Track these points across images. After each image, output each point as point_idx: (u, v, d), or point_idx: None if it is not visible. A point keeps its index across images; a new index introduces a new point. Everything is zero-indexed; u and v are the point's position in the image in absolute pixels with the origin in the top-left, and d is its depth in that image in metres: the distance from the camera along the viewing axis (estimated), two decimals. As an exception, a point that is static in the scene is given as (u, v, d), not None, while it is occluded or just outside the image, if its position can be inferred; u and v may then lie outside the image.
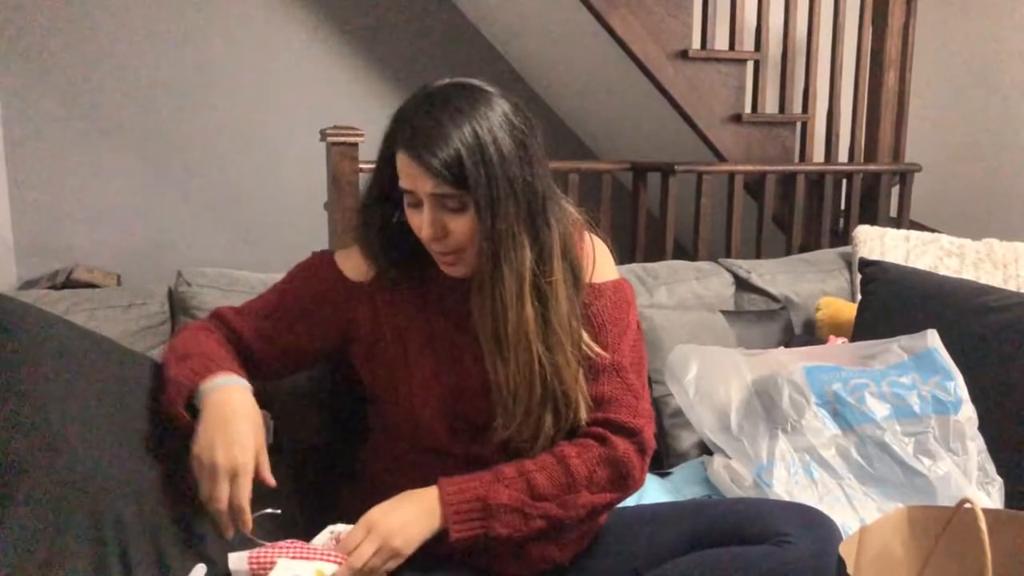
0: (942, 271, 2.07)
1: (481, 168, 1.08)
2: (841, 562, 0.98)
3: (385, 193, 1.19)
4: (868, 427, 1.47)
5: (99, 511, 0.93)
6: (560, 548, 1.21)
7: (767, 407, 1.51)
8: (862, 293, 1.91)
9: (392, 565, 1.11)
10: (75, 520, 0.91)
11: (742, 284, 2.07)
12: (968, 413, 1.50)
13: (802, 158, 3.32)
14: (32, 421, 0.97)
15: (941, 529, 1.04)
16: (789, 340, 1.94)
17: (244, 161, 3.93)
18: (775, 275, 2.10)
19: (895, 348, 1.59)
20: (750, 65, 3.25)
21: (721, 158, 3.19)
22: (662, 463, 1.70)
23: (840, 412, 1.49)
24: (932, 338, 1.58)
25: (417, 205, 1.13)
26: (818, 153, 3.41)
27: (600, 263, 1.27)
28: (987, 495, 1.45)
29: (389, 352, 1.24)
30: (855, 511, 1.41)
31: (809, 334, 1.99)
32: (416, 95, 1.14)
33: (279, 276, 1.55)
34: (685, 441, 1.71)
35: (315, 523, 1.16)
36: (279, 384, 1.35)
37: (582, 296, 1.21)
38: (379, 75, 4.05)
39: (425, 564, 1.14)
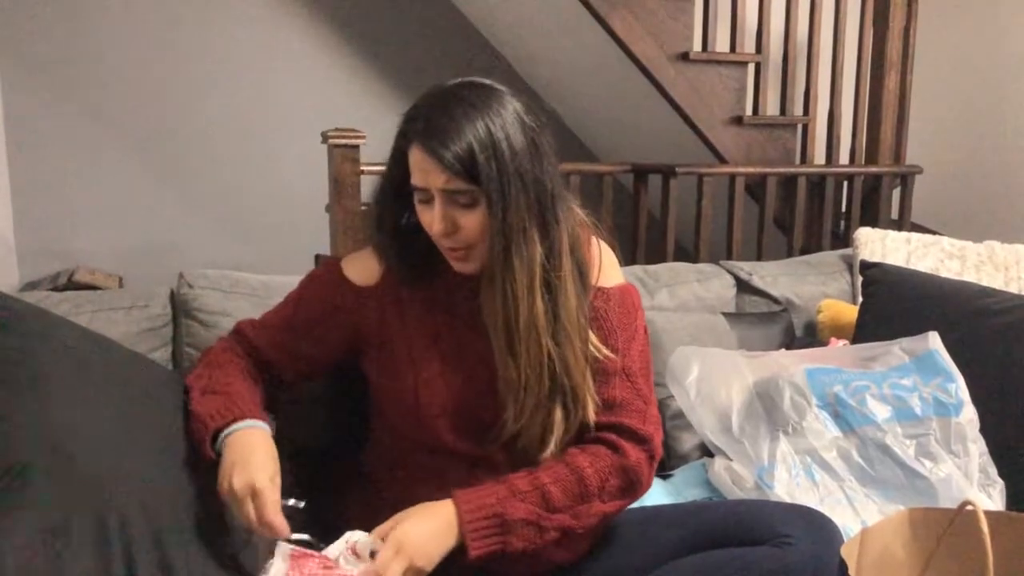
0: (943, 273, 2.06)
1: (493, 163, 1.09)
2: (842, 564, 0.99)
3: (396, 192, 1.19)
4: (869, 429, 1.47)
5: (104, 513, 0.93)
6: (564, 550, 1.21)
7: (768, 409, 1.51)
8: (863, 295, 1.91)
9: None
10: (79, 522, 0.91)
11: (743, 286, 2.07)
12: (969, 415, 1.50)
13: (803, 160, 3.31)
14: (36, 422, 0.97)
15: (942, 531, 1.04)
16: (790, 342, 1.94)
17: (245, 162, 3.93)
18: (776, 277, 2.10)
19: (896, 350, 1.59)
20: (751, 67, 3.25)
21: (722, 160, 3.19)
22: (663, 465, 1.69)
23: (841, 414, 1.49)
24: (933, 340, 1.58)
25: (428, 202, 1.14)
26: (819, 155, 3.40)
27: (607, 267, 1.28)
28: (988, 497, 1.45)
29: (395, 352, 1.24)
30: (856, 513, 1.41)
31: (810, 336, 1.99)
32: (429, 92, 1.16)
33: (280, 277, 1.57)
34: (686, 443, 1.71)
35: (317, 523, 1.16)
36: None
37: (589, 295, 1.22)
38: (379, 75, 4.06)
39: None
